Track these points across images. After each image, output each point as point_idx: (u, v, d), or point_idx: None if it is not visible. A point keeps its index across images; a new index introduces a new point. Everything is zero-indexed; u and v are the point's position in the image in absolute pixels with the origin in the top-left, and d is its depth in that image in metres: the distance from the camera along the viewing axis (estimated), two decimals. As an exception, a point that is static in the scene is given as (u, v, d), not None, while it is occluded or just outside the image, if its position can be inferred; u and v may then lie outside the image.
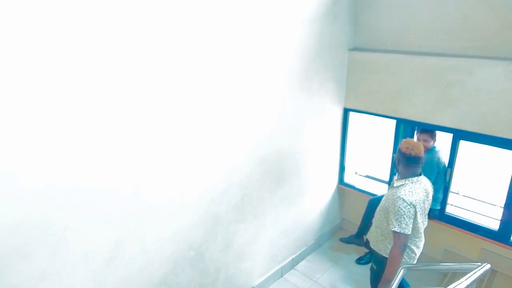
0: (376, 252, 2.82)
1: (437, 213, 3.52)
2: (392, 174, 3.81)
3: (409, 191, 2.47)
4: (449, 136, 3.28)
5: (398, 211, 2.41)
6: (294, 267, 3.97)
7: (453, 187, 3.59)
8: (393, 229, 2.43)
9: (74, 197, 2.03)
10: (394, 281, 2.33)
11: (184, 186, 2.57)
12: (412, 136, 3.68)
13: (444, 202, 3.47)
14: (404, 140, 2.62)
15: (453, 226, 3.45)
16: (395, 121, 3.65)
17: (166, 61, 2.23)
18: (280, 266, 3.80)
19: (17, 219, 1.84)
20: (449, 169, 3.35)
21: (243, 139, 2.89)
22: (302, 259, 4.08)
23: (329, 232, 4.44)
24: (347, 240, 4.19)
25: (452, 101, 3.12)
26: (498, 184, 3.65)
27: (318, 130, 3.75)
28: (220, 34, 2.48)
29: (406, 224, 2.40)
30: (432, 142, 3.38)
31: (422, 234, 2.71)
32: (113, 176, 2.16)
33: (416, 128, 3.62)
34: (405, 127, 3.75)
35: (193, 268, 2.86)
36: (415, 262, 2.76)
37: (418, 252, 2.74)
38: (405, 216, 2.41)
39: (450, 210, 3.56)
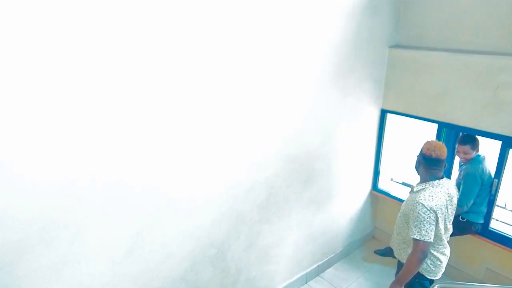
0: (399, 261, 2.65)
1: (480, 228, 3.22)
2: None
3: (429, 196, 2.30)
4: (497, 143, 2.99)
5: (418, 217, 2.27)
6: (320, 275, 3.79)
7: (500, 200, 3.28)
8: (412, 236, 2.29)
9: (97, 187, 2.02)
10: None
11: (206, 181, 2.50)
12: (455, 143, 3.39)
13: (488, 216, 3.17)
14: (427, 141, 2.44)
15: (497, 244, 3.14)
16: (436, 125, 3.39)
17: (194, 52, 2.17)
18: (305, 272, 3.65)
19: (41, 204, 1.84)
20: (495, 180, 3.05)
21: (269, 135, 2.77)
22: (329, 267, 3.89)
23: (360, 240, 4.22)
24: (382, 253, 3.96)
25: (503, 104, 2.83)
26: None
27: (352, 131, 3.56)
28: (253, 24, 2.39)
29: (426, 231, 2.25)
30: (474, 153, 3.09)
31: (445, 241, 2.50)
32: (134, 168, 2.13)
33: (460, 133, 3.34)
34: (448, 132, 3.48)
35: (213, 266, 2.78)
36: (442, 270, 2.56)
37: (444, 259, 2.53)
38: (425, 222, 2.25)
39: (494, 225, 3.24)
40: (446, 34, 3.20)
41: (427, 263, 2.48)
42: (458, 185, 3.21)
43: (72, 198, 1.94)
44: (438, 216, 2.29)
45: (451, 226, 2.53)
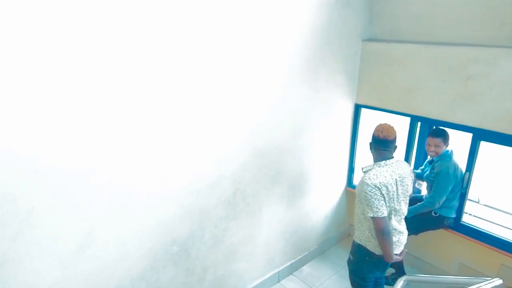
0: (353, 240, 2.69)
1: (452, 222, 3.16)
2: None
3: (374, 175, 2.35)
4: (468, 136, 2.94)
5: (366, 196, 2.33)
6: (293, 273, 3.70)
7: (472, 194, 3.24)
8: (368, 215, 2.36)
9: (41, 177, 1.88)
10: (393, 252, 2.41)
11: (166, 174, 2.38)
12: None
13: (460, 211, 3.12)
14: (378, 123, 2.48)
15: (470, 238, 3.09)
16: (409, 119, 3.33)
17: (154, 43, 2.05)
18: (277, 270, 3.54)
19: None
20: (467, 174, 3.00)
21: (235, 127, 2.67)
22: (303, 265, 3.80)
23: (335, 237, 4.14)
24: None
25: (473, 96, 2.79)
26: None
27: (325, 126, 3.48)
28: (211, 10, 2.29)
29: (377, 207, 2.30)
30: (444, 147, 3.02)
31: (395, 221, 2.47)
32: (85, 158, 1.99)
33: (434, 127, 3.29)
34: (422, 126, 3.43)
35: (176, 265, 2.65)
36: (399, 250, 2.55)
37: (394, 238, 2.46)
38: (373, 199, 2.30)
39: (467, 219, 3.20)
40: (418, 27, 3.16)
41: (372, 243, 2.49)
42: (430, 182, 3.15)
43: (13, 189, 1.80)
44: (383, 193, 2.31)
45: (406, 207, 2.52)
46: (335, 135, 3.64)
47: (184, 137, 2.39)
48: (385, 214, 2.32)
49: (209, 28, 2.31)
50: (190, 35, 2.23)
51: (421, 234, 3.28)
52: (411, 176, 2.52)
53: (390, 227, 2.43)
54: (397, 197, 2.41)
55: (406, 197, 2.50)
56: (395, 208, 2.43)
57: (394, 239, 2.49)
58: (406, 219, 3.15)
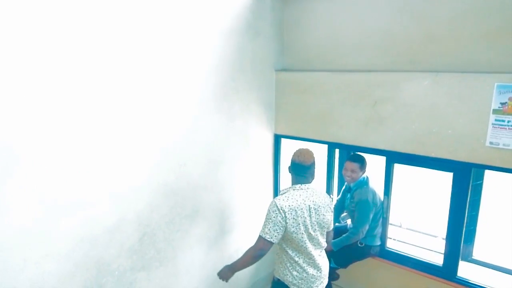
0: (273, 276, 2.56)
1: (378, 250, 3.08)
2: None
3: (285, 197, 2.25)
4: (383, 160, 2.95)
5: (267, 214, 2.25)
6: (221, 324, 3.28)
7: (394, 219, 3.23)
8: (259, 233, 2.26)
9: None
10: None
11: (45, 220, 1.95)
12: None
13: (383, 237, 3.06)
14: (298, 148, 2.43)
15: (395, 264, 3.03)
16: (327, 146, 3.30)
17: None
18: (201, 323, 3.11)
19: None
20: (385, 198, 2.98)
21: (134, 159, 2.35)
22: (232, 313, 3.41)
23: (266, 277, 3.83)
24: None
25: (383, 120, 2.83)
26: (438, 212, 3.35)
27: (244, 158, 3.30)
28: (121, 32, 2.05)
29: (269, 230, 2.20)
30: (360, 174, 2.99)
31: (313, 252, 2.30)
32: None
33: (352, 153, 3.29)
34: (341, 152, 3.42)
35: (65, 335, 2.14)
36: (314, 285, 2.35)
37: (313, 272, 2.32)
38: (270, 221, 2.20)
39: (391, 245, 3.15)
40: (326, 55, 3.23)
41: (292, 275, 2.31)
42: (351, 212, 3.08)
43: None
44: (288, 217, 2.18)
45: (323, 238, 2.37)
46: (256, 167, 3.47)
47: (66, 169, 2.01)
48: (273, 240, 2.19)
49: (107, 50, 2.05)
50: (84, 56, 1.95)
51: (351, 266, 3.15)
52: (330, 208, 2.38)
53: (307, 254, 2.28)
54: (311, 225, 2.26)
55: (322, 229, 2.34)
56: (310, 234, 2.26)
57: (317, 265, 2.32)
58: (333, 253, 3.03)
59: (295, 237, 2.22)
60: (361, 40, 3.00)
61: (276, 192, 3.75)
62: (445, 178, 2.77)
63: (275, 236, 2.20)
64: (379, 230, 3.04)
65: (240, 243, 3.38)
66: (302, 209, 2.21)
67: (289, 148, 3.65)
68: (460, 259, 2.76)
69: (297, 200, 2.22)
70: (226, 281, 2.51)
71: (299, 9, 3.33)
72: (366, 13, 2.93)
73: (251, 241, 3.40)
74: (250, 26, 3.08)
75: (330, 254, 3.01)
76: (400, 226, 3.48)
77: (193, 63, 2.64)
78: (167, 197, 2.63)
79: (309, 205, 2.24)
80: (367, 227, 2.95)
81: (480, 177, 2.77)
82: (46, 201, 1.94)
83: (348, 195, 3.09)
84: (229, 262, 3.28)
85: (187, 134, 2.69)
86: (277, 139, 3.62)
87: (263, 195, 3.63)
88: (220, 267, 3.15)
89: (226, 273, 2.49)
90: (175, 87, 2.54)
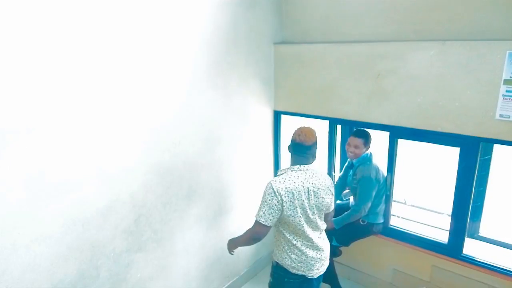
0: (272, 259, 2.45)
1: (381, 228, 3.01)
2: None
3: (282, 178, 2.15)
4: (386, 135, 2.83)
5: (263, 196, 2.16)
6: (223, 303, 3.29)
7: (398, 195, 3.13)
8: (254, 216, 2.19)
9: None
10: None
11: (34, 202, 1.89)
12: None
13: (386, 214, 2.97)
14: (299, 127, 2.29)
15: (399, 242, 2.96)
16: (328, 122, 3.18)
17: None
18: (203, 303, 3.11)
19: None
20: (389, 175, 2.87)
21: (125, 137, 2.26)
22: (234, 292, 3.42)
23: (267, 257, 3.81)
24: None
25: (386, 93, 2.69)
26: (444, 188, 3.24)
27: (244, 135, 3.20)
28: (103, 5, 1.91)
29: (263, 213, 2.12)
30: (364, 150, 2.86)
31: (312, 234, 2.21)
32: None
33: (354, 128, 3.16)
34: (343, 129, 3.30)
35: (62, 317, 2.13)
36: (313, 268, 2.26)
37: (313, 254, 2.24)
38: (265, 203, 2.12)
39: (395, 222, 3.07)
40: (327, 26, 3.06)
41: (291, 258, 2.24)
42: (353, 189, 2.99)
43: None
44: (284, 200, 2.08)
45: (321, 221, 2.28)
46: (255, 144, 3.38)
47: (53, 149, 1.94)
48: (268, 224, 2.12)
49: (94, 23, 1.93)
50: (75, 33, 1.83)
51: (353, 244, 3.09)
52: (330, 190, 2.26)
53: (305, 237, 2.20)
54: (309, 207, 2.16)
55: (320, 212, 2.24)
56: (309, 217, 2.17)
57: (317, 248, 2.24)
58: (335, 231, 2.96)
59: (292, 220, 2.14)
60: (363, 8, 2.82)
61: (276, 170, 3.67)
62: (452, 153, 2.65)
63: (270, 219, 2.12)
64: (382, 207, 2.96)
65: (240, 221, 3.33)
66: (300, 191, 2.11)
67: (289, 125, 3.54)
68: (466, 236, 2.68)
69: (294, 182, 2.12)
70: (231, 253, 2.55)
71: (297, -23, 3.14)
72: (368, -21, 2.74)
73: (251, 220, 3.37)
74: (245, -5, 2.90)
75: (332, 232, 2.95)
76: (404, 203, 3.38)
77: (182, 35, 2.49)
78: (162, 177, 2.55)
79: (307, 187, 2.14)
80: (369, 204, 2.86)
81: (489, 152, 2.64)
82: (34, 183, 1.87)
83: (351, 172, 2.99)
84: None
85: (181, 111, 2.58)
86: (277, 115, 3.50)
87: (263, 174, 3.55)
88: (220, 246, 3.14)
89: (229, 245, 2.51)
90: (165, 61, 2.41)
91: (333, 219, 2.92)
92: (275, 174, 3.57)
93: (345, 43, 2.88)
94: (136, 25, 2.20)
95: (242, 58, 3.00)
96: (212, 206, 3.02)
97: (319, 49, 3.01)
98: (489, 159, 2.67)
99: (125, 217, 2.37)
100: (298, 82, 3.23)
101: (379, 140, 3.19)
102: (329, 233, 2.96)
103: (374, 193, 2.86)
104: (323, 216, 2.30)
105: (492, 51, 2.20)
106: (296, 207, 2.11)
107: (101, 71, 2.08)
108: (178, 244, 2.78)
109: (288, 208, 2.10)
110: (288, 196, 2.09)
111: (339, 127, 3.29)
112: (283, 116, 3.51)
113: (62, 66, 1.90)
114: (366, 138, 2.88)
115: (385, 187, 2.93)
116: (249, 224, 2.68)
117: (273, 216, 2.12)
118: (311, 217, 2.18)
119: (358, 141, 2.85)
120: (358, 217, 2.91)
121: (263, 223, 2.12)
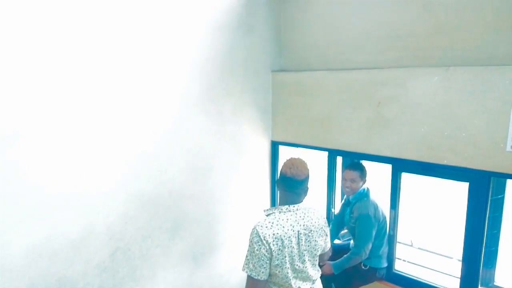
0: None
1: (385, 273, 2.72)
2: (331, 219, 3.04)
3: (269, 222, 1.85)
4: (388, 168, 2.63)
5: (249, 246, 1.86)
6: None
7: (403, 236, 2.86)
8: (242, 269, 1.87)
9: None
10: None
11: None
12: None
13: (391, 257, 2.69)
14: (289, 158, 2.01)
15: (405, 288, 2.65)
16: (327, 153, 3.00)
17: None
18: None
19: None
20: (392, 212, 2.63)
21: (103, 163, 2.11)
22: None
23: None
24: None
25: (387, 122, 2.52)
26: (454, 228, 2.96)
27: (237, 166, 3.02)
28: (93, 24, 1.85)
29: (254, 266, 1.82)
30: (361, 184, 2.66)
31: (299, 285, 1.92)
32: None
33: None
34: (344, 161, 3.11)
35: None
36: None
37: None
38: (253, 255, 1.81)
39: (400, 267, 2.77)
40: (326, 54, 2.97)
41: None
42: (351, 229, 2.75)
43: None
44: (273, 249, 1.79)
45: (314, 270, 1.98)
46: (250, 176, 3.18)
47: (20, 163, 1.78)
48: (261, 277, 1.81)
49: (75, 44, 1.85)
50: (61, 47, 1.75)
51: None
52: (324, 231, 1.99)
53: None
54: (299, 255, 1.88)
55: (313, 258, 1.96)
56: (296, 269, 1.89)
57: None
58: (334, 276, 2.68)
59: (279, 272, 1.86)
60: (362, 35, 2.72)
61: (273, 204, 3.44)
62: (461, 189, 2.42)
63: (262, 272, 1.82)
64: (384, 249, 2.69)
65: (232, 261, 3.07)
66: (290, 237, 1.84)
67: (288, 156, 3.37)
68: (479, 286, 2.37)
69: (283, 227, 1.84)
70: None
71: (296, 5, 3.10)
72: (367, 6, 2.66)
73: (242, 260, 3.06)
74: (242, 21, 2.84)
75: (331, 277, 2.68)
76: (410, 245, 3.10)
77: (174, 58, 2.42)
78: (144, 207, 2.37)
79: (298, 231, 1.87)
80: (370, 245, 2.60)
81: (502, 190, 2.41)
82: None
83: (348, 210, 2.76)
84: (220, 282, 3.00)
85: (168, 135, 2.45)
86: (275, 146, 3.33)
87: (258, 208, 3.32)
88: (210, 285, 2.87)
89: None
90: (153, 84, 2.32)
91: (332, 262, 2.65)
92: (273, 206, 3.35)
93: (344, 70, 2.77)
94: (125, 44, 2.13)
95: (238, 85, 2.90)
96: (200, 242, 2.79)
97: (318, 76, 2.90)
98: (502, 198, 2.43)
99: (99, 250, 2.16)
100: (296, 111, 3.09)
101: (381, 174, 2.98)
102: (328, 279, 2.69)
103: (374, 233, 2.62)
104: (317, 261, 2.00)
105: (500, 76, 2.04)
106: (285, 257, 1.83)
107: (82, 90, 1.97)
108: (159, 285, 2.54)
109: (276, 257, 1.82)
110: (277, 244, 1.81)
111: (339, 158, 3.10)
112: (280, 147, 3.34)
113: (40, 82, 1.80)
114: (362, 170, 2.69)
115: (386, 226, 2.68)
116: (241, 263, 2.45)
117: (264, 268, 1.82)
118: (301, 266, 1.89)
119: (354, 174, 2.65)
120: (359, 260, 2.64)
121: (256, 277, 1.82)
